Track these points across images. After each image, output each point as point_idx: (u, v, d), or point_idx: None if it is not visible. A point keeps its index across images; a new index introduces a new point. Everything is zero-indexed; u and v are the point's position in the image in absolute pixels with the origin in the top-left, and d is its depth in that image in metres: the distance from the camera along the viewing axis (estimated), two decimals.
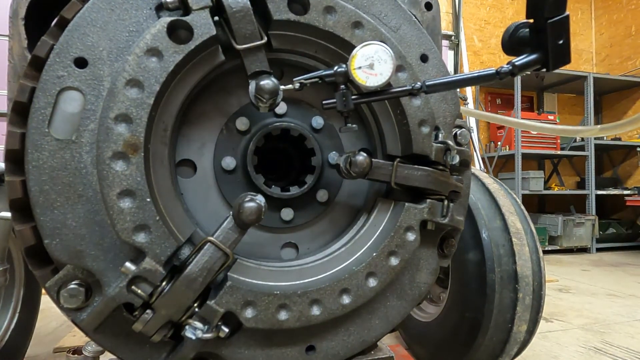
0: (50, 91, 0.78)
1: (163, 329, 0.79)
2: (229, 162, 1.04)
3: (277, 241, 1.09)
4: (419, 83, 0.89)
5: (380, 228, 1.03)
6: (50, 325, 2.72)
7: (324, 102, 0.91)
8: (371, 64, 0.84)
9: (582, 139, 6.48)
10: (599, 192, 6.43)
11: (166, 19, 0.81)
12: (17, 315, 1.93)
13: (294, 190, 1.05)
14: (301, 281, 0.96)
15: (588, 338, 2.57)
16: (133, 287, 0.76)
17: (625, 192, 6.53)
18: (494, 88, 7.09)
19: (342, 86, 0.87)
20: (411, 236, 0.98)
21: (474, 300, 1.66)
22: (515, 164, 5.99)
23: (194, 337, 0.80)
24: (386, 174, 0.96)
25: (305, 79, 0.89)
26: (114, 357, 0.91)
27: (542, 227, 6.07)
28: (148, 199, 0.78)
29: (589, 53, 7.91)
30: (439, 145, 0.99)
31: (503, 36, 0.89)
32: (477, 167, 5.79)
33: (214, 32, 0.83)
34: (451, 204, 1.00)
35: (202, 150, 1.03)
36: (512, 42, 0.87)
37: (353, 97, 0.88)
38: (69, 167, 0.79)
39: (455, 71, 6.37)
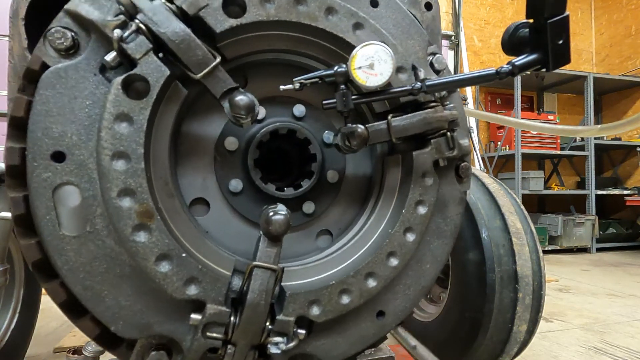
0: (45, 196, 0.78)
1: (249, 356, 0.83)
2: (235, 185, 1.04)
3: (310, 235, 1.11)
4: (419, 83, 0.89)
5: (398, 184, 1.04)
6: (50, 325, 2.72)
7: (324, 102, 0.91)
8: (371, 64, 0.85)
9: (582, 139, 6.48)
10: (599, 192, 6.43)
11: (117, 79, 0.78)
12: (17, 315, 1.93)
13: (306, 184, 1.06)
14: (348, 262, 1.00)
15: (588, 338, 2.58)
16: (208, 333, 0.80)
17: (625, 192, 6.54)
18: (494, 88, 7.09)
19: (342, 86, 0.87)
20: (429, 180, 0.99)
21: (474, 300, 1.66)
22: (515, 164, 5.99)
23: (279, 351, 0.84)
24: (384, 133, 0.95)
25: (305, 79, 0.89)
26: (114, 357, 0.92)
27: (542, 227, 6.07)
28: (183, 255, 0.80)
29: (588, 53, 7.91)
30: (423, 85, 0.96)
31: (503, 36, 0.89)
32: (477, 167, 5.79)
33: (168, 72, 0.80)
34: (454, 134, 0.99)
35: (205, 184, 1.03)
36: (512, 42, 0.87)
37: (353, 97, 0.88)
38: (98, 256, 0.81)
39: (455, 71, 6.38)
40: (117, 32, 0.76)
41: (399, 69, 0.97)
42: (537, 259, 1.68)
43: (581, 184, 6.92)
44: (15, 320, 1.92)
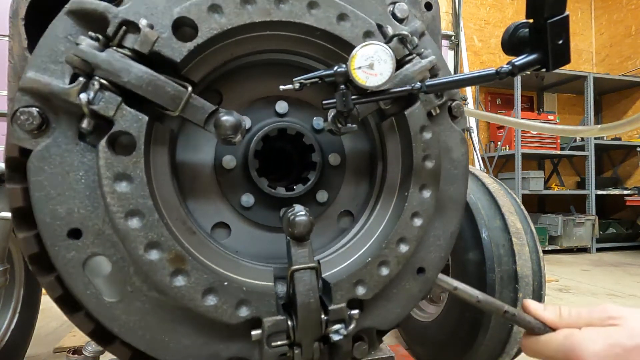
0: (77, 274, 0.79)
1: (316, 350, 0.87)
2: (247, 200, 1.04)
3: (332, 220, 1.12)
4: (419, 83, 0.89)
5: (400, 147, 1.04)
6: (50, 325, 2.72)
7: (323, 102, 0.91)
8: (371, 64, 0.84)
9: (582, 139, 6.49)
10: (599, 192, 6.44)
11: (101, 143, 0.75)
12: (17, 315, 1.93)
13: (312, 175, 1.06)
14: (376, 235, 1.01)
15: None
16: (272, 343, 0.83)
17: (625, 192, 6.54)
18: (494, 88, 7.09)
19: (342, 86, 0.87)
20: (427, 134, 0.98)
21: None
22: (515, 164, 6.00)
23: (342, 337, 0.87)
24: (371, 104, 0.94)
25: (305, 79, 0.89)
26: (113, 357, 0.92)
27: (542, 227, 6.08)
28: (225, 283, 0.82)
29: (588, 53, 7.91)
30: (393, 41, 0.93)
31: (503, 36, 0.89)
32: (477, 167, 5.80)
33: (146, 118, 0.78)
34: (437, 79, 0.96)
35: (218, 208, 1.04)
36: (512, 42, 0.87)
37: (353, 97, 0.88)
38: (147, 311, 0.82)
39: (455, 71, 6.38)
40: (83, 97, 0.73)
41: (366, 35, 0.93)
42: (537, 259, 1.68)
43: (581, 184, 6.92)
44: (15, 320, 1.92)
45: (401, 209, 0.98)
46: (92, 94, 0.74)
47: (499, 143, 6.55)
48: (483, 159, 6.29)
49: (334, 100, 0.88)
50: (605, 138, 6.74)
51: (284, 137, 1.07)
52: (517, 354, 1.71)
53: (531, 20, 0.82)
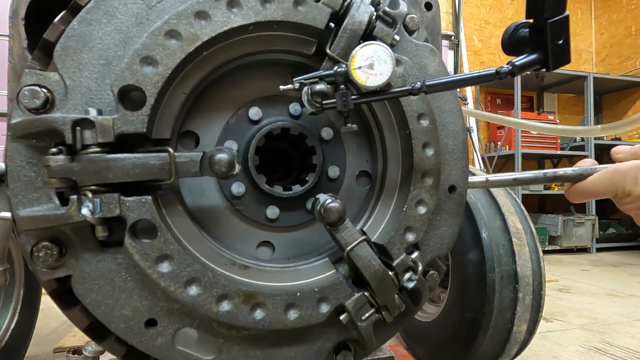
0: (174, 354, 0.84)
1: (398, 300, 0.95)
2: (271, 212, 1.05)
3: (353, 188, 1.14)
4: (419, 83, 0.89)
5: (392, 114, 1.04)
6: (50, 325, 2.72)
7: (324, 102, 0.91)
8: (371, 64, 0.84)
9: (582, 139, 6.49)
10: None
11: (125, 241, 0.77)
12: (17, 315, 1.93)
13: (316, 160, 1.06)
14: (399, 181, 1.05)
15: (588, 338, 2.58)
16: (362, 318, 0.91)
17: None
18: (494, 88, 7.09)
19: (342, 86, 0.87)
20: (400, 69, 0.97)
21: (474, 300, 1.66)
22: (515, 164, 6.00)
23: (415, 282, 0.95)
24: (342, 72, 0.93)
25: (305, 79, 0.89)
26: (113, 357, 0.93)
27: (542, 227, 6.07)
28: (298, 294, 0.89)
29: (589, 53, 7.91)
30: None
31: (503, 36, 0.89)
32: (477, 167, 5.80)
33: (150, 198, 0.78)
34: (383, 8, 0.94)
35: (252, 233, 1.05)
36: (512, 42, 0.87)
37: (353, 97, 0.88)
38: (247, 347, 0.89)
39: (455, 71, 6.38)
40: (85, 213, 0.72)
41: (296, 2, 0.89)
42: (537, 259, 1.68)
43: None
44: (15, 320, 1.92)
45: (410, 145, 1.00)
46: (90, 205, 0.73)
47: (499, 143, 6.55)
48: (483, 159, 6.29)
49: (334, 101, 0.88)
50: (605, 138, 6.73)
51: (273, 139, 1.06)
52: (517, 354, 1.71)
53: (531, 20, 0.82)
